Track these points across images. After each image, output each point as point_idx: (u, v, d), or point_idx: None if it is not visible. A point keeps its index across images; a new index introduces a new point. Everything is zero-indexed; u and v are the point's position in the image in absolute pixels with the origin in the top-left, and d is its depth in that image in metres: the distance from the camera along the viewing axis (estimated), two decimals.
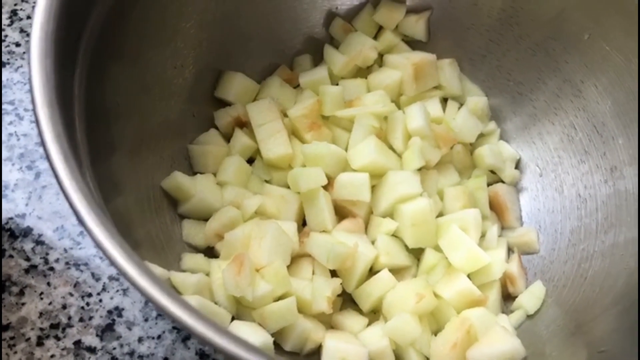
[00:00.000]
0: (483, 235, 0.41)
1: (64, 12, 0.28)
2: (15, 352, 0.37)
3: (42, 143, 0.25)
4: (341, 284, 0.37)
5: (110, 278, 0.40)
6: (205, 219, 0.38)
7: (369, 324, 0.37)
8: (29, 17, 0.50)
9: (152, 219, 0.36)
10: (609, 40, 0.39)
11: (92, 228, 0.23)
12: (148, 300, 0.23)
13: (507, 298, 0.39)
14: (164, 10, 0.38)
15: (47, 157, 0.24)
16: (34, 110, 0.25)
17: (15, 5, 0.50)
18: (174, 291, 0.23)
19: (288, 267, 0.36)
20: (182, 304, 0.22)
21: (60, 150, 0.24)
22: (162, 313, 0.23)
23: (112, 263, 0.23)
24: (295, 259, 0.38)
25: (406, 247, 0.39)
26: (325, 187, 0.39)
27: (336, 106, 0.42)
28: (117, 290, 0.40)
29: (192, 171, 0.41)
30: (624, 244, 0.36)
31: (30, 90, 0.26)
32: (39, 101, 0.25)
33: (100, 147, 0.31)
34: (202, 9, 0.41)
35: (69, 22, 0.29)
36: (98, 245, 0.23)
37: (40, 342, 0.37)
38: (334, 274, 0.37)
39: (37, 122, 0.25)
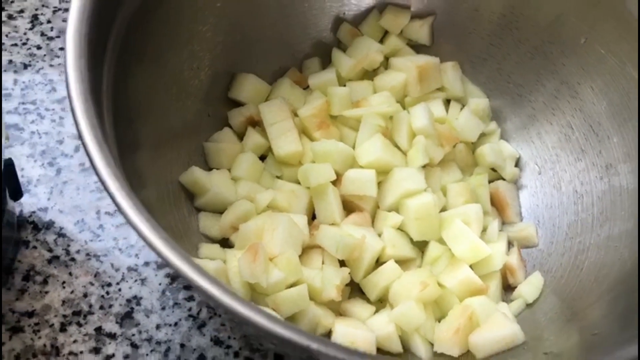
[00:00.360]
0: (484, 230, 0.42)
1: (94, 16, 0.30)
2: (40, 338, 0.39)
3: (79, 133, 0.27)
4: (349, 273, 0.39)
5: (129, 269, 0.42)
6: (220, 211, 0.40)
7: (376, 312, 0.39)
8: (49, 22, 0.52)
9: (171, 211, 0.38)
10: (604, 44, 0.41)
11: (129, 213, 0.25)
12: (184, 278, 0.25)
13: (507, 289, 0.41)
14: (182, 14, 0.40)
15: (84, 146, 0.26)
16: (71, 104, 0.27)
17: (36, 10, 0.53)
18: (204, 270, 0.25)
19: (299, 257, 0.38)
20: (214, 281, 0.24)
21: (95, 140, 0.26)
22: (194, 287, 0.25)
23: (148, 244, 0.25)
24: (306, 250, 0.39)
25: (411, 240, 0.41)
26: (334, 183, 0.41)
27: (344, 106, 0.44)
28: (136, 280, 0.41)
29: (207, 167, 0.43)
30: (618, 236, 0.38)
31: (67, 86, 0.28)
32: (75, 95, 0.27)
33: (126, 143, 0.33)
34: (218, 14, 0.43)
35: (99, 25, 0.31)
36: (134, 227, 0.25)
37: (63, 328, 0.39)
38: (342, 264, 0.39)
39: (73, 114, 0.27)
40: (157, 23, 0.38)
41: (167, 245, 0.25)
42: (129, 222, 0.25)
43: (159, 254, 0.25)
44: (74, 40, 0.29)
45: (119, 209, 0.25)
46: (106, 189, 0.26)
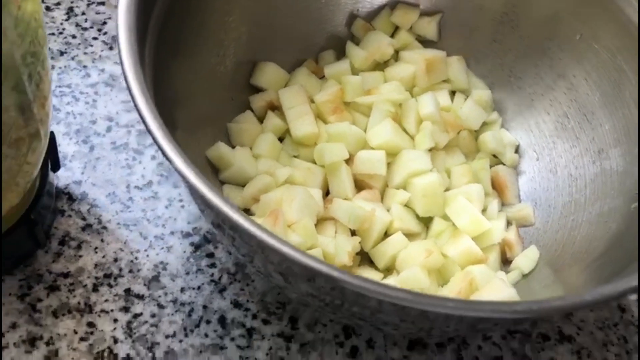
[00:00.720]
0: (485, 209, 0.46)
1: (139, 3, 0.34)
2: (75, 296, 0.42)
3: (132, 99, 0.30)
4: (360, 243, 0.42)
5: (156, 237, 0.45)
6: (242, 185, 0.44)
7: (383, 279, 0.42)
8: (83, 14, 0.56)
9: None
10: (598, 40, 0.45)
11: (190, 177, 0.28)
12: (232, 223, 0.27)
13: (506, 262, 0.44)
14: (212, 4, 0.44)
15: (138, 110, 0.30)
16: (124, 71, 0.31)
17: (72, 3, 0.57)
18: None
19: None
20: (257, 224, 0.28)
21: (149, 108, 0.30)
22: (241, 231, 0.28)
23: (203, 200, 0.28)
24: (320, 222, 0.43)
25: (417, 216, 0.45)
26: (347, 163, 0.45)
27: (357, 94, 0.48)
28: (162, 248, 0.45)
29: (231, 146, 0.46)
30: (607, 212, 0.41)
31: (119, 54, 0.31)
32: (127, 62, 0.31)
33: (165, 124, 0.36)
34: (243, 6, 0.47)
35: (143, 10, 0.35)
36: (192, 187, 0.28)
37: (95, 289, 0.43)
38: (353, 235, 0.43)
39: (126, 81, 0.30)
40: (190, 13, 0.42)
41: (219, 197, 0.28)
42: (184, 179, 0.28)
43: (209, 202, 0.28)
44: (125, 15, 0.32)
45: (172, 163, 0.29)
46: (164, 153, 0.29)
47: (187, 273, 0.44)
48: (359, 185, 0.46)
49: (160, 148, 0.29)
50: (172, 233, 0.46)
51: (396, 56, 0.51)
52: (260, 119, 0.48)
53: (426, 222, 0.45)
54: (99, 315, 0.42)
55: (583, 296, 0.28)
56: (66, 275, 0.43)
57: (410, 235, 0.44)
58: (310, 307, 0.36)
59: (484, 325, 0.33)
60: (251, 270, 0.39)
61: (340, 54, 0.52)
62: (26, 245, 0.42)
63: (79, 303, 0.42)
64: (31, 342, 0.40)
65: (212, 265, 0.45)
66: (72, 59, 0.53)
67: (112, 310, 0.42)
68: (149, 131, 0.30)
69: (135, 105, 0.30)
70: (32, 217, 0.40)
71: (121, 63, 0.31)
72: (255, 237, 0.27)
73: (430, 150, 0.46)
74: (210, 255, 0.45)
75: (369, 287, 0.26)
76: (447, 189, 0.46)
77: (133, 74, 0.31)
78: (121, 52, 0.32)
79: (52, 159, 0.43)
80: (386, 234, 0.44)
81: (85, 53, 0.54)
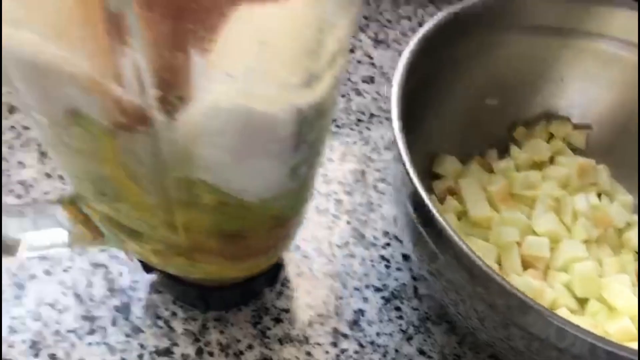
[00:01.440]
0: None
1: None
2: (294, 328, 0.52)
3: (412, 184, 0.42)
4: None
5: (355, 288, 0.55)
6: None
7: None
8: None
9: None
10: None
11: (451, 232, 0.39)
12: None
13: None
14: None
15: (413, 184, 0.41)
16: (402, 158, 0.42)
17: None
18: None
19: None
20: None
21: (420, 184, 0.41)
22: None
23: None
24: None
25: (575, 297, 0.53)
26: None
27: (521, 187, 0.58)
28: (360, 298, 0.55)
29: None
30: None
31: (396, 143, 0.43)
32: (401, 146, 0.42)
33: None
34: (437, 112, 0.59)
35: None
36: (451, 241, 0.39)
37: (310, 324, 0.53)
38: None
39: (404, 165, 0.42)
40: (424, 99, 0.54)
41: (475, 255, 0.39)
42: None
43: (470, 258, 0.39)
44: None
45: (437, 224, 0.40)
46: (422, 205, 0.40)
47: (381, 321, 0.54)
48: (524, 264, 0.55)
49: (430, 212, 0.40)
50: (366, 287, 0.56)
51: (551, 160, 0.62)
52: (441, 201, 0.59)
53: (582, 303, 0.54)
54: (314, 347, 0.52)
55: None
56: (287, 311, 0.53)
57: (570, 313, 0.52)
58: (494, 347, 0.45)
59: None
60: (452, 311, 0.48)
61: (501, 153, 0.63)
62: (266, 282, 0.52)
63: (297, 335, 0.52)
64: None
65: (400, 317, 0.54)
66: None
67: (323, 344, 0.52)
68: (421, 199, 0.41)
69: (412, 183, 0.41)
70: (280, 262, 0.51)
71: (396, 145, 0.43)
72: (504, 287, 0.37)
73: (584, 241, 0.55)
74: (398, 308, 0.55)
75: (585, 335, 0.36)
76: (599, 276, 0.55)
77: (409, 162, 0.42)
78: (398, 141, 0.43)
79: None
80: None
81: None
